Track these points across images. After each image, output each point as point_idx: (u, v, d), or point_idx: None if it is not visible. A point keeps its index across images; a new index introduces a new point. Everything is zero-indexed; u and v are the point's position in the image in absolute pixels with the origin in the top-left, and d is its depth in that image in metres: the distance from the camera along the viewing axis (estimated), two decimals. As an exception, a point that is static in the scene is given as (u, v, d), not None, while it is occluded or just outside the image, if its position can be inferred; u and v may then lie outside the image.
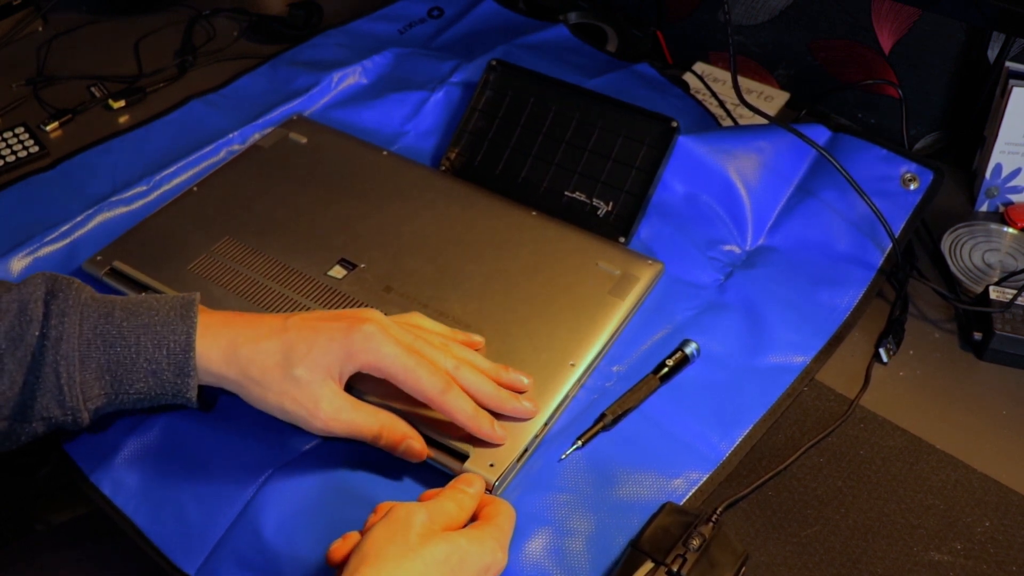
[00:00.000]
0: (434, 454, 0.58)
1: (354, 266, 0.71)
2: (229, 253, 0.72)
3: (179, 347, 0.56)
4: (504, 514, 0.53)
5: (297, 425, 0.57)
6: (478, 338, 0.64)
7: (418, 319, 0.63)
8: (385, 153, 0.83)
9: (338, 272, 0.71)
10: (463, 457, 0.58)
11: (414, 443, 0.57)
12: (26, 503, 0.88)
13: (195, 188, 0.79)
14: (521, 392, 0.61)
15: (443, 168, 0.83)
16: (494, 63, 0.84)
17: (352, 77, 0.94)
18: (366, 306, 0.67)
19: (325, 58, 0.98)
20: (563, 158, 0.80)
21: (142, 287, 0.69)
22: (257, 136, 0.87)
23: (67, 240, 0.76)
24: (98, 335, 0.56)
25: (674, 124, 0.76)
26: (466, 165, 0.82)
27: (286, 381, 0.55)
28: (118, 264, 0.71)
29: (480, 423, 0.57)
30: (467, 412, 0.57)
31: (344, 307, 0.68)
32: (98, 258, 0.72)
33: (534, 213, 0.76)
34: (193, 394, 0.57)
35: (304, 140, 0.84)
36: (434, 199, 0.78)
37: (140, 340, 0.56)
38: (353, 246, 0.73)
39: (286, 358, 0.55)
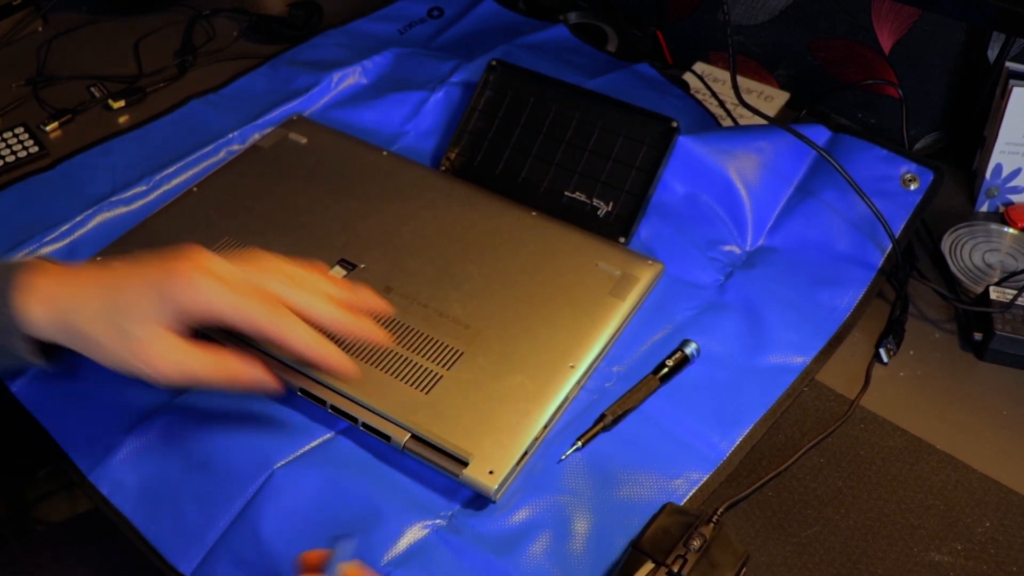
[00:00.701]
0: (436, 459, 0.58)
1: (354, 266, 0.71)
2: (229, 254, 0.72)
3: (3, 307, 0.54)
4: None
5: (141, 379, 0.54)
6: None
7: (258, 251, 0.58)
8: (385, 153, 0.83)
9: (338, 272, 0.71)
10: (463, 463, 0.58)
11: (265, 379, 0.55)
12: (26, 504, 0.88)
13: (195, 188, 0.79)
14: (380, 313, 0.59)
15: (443, 168, 0.83)
16: (494, 63, 0.84)
17: (352, 77, 0.94)
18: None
19: (325, 58, 0.98)
20: (563, 158, 0.79)
21: None
22: (257, 136, 0.87)
23: (67, 240, 0.76)
24: None
25: (674, 124, 0.76)
26: (466, 165, 0.82)
27: (120, 338, 0.53)
28: None
29: (321, 351, 0.54)
30: (305, 339, 0.54)
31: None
32: (98, 259, 0.72)
33: (534, 213, 0.76)
34: (27, 354, 0.55)
35: (304, 140, 0.84)
36: (434, 199, 0.78)
37: None
38: (353, 246, 0.73)
39: (115, 316, 0.53)
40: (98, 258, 0.72)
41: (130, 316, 0.53)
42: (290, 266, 0.58)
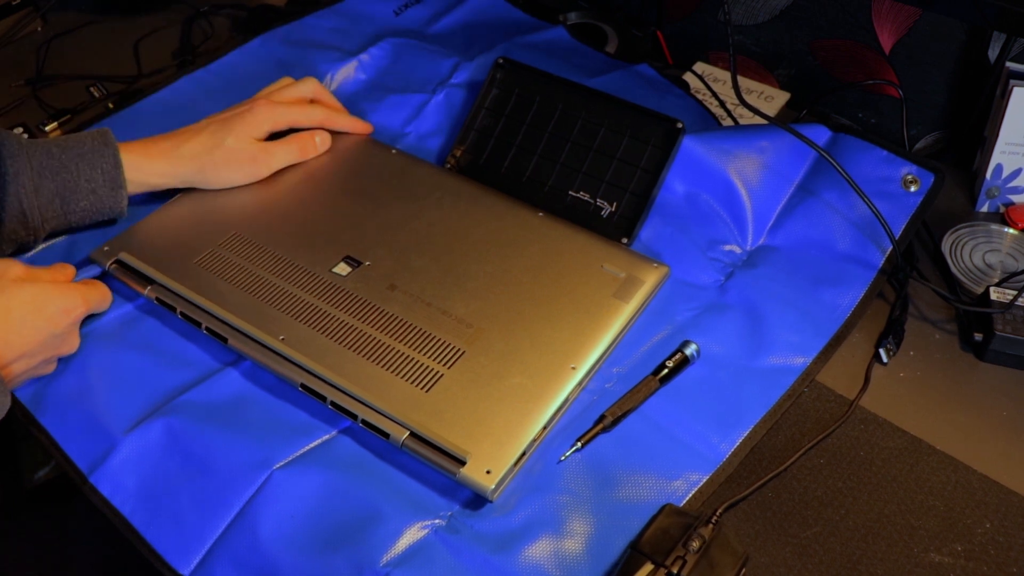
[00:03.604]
0: (434, 457, 0.58)
1: (359, 263, 0.71)
2: (235, 248, 0.72)
3: (110, 166, 0.72)
4: (97, 286, 0.68)
5: (247, 180, 0.78)
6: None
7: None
8: (393, 151, 0.83)
9: (343, 269, 0.71)
10: (461, 462, 0.58)
11: (316, 139, 0.82)
12: (22, 505, 0.88)
13: None
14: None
15: (448, 166, 0.83)
16: (501, 61, 0.83)
17: (350, 72, 0.94)
18: (370, 305, 0.67)
19: (318, 40, 0.97)
20: (568, 157, 0.79)
21: (148, 280, 0.69)
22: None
23: (67, 236, 0.76)
24: (45, 167, 0.70)
25: (679, 125, 0.76)
26: (472, 163, 0.82)
27: (221, 150, 0.75)
28: (124, 256, 0.71)
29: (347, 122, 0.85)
30: (344, 121, 0.84)
31: (350, 306, 0.68)
32: (105, 248, 0.72)
33: (540, 214, 0.76)
34: (124, 204, 0.74)
35: None
36: (441, 198, 0.78)
37: (79, 166, 0.71)
38: (359, 243, 0.73)
39: (214, 140, 0.76)
40: (105, 247, 0.72)
41: (231, 134, 0.76)
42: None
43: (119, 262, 0.71)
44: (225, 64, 0.94)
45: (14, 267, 0.63)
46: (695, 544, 0.53)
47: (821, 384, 0.67)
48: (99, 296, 0.67)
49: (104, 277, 0.71)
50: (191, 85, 0.92)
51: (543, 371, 0.63)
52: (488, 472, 0.57)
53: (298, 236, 0.74)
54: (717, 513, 0.55)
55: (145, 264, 0.70)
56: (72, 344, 0.65)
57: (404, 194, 0.78)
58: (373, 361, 0.64)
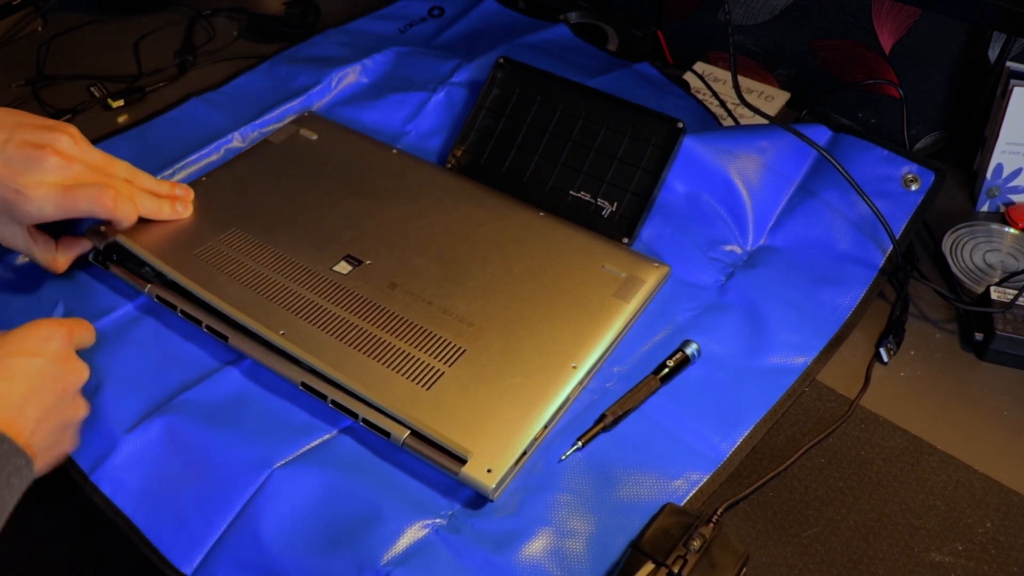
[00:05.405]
0: (434, 456, 0.58)
1: (360, 262, 0.71)
2: (235, 244, 0.72)
3: None
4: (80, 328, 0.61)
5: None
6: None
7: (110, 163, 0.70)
8: (394, 151, 0.83)
9: (343, 268, 0.71)
10: (462, 460, 0.58)
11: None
12: (24, 503, 0.87)
13: (204, 179, 0.79)
14: (184, 196, 0.75)
15: (449, 165, 0.83)
16: (502, 60, 0.83)
17: (352, 76, 0.94)
18: (371, 304, 0.67)
19: (325, 55, 0.98)
20: (569, 157, 0.79)
21: (144, 264, 0.69)
22: (255, 134, 0.87)
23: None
24: None
25: (680, 125, 0.76)
26: (472, 163, 0.82)
27: None
28: (121, 238, 0.70)
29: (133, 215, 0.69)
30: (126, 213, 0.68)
31: (351, 304, 0.67)
32: (101, 228, 0.71)
33: (541, 213, 0.76)
34: None
35: (314, 136, 0.84)
36: (442, 197, 0.78)
37: None
38: (360, 242, 0.73)
39: None
40: (101, 227, 0.72)
41: None
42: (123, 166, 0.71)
43: (116, 244, 0.71)
44: (236, 85, 0.95)
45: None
46: (696, 543, 0.53)
47: (822, 384, 0.67)
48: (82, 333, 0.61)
49: (97, 258, 0.71)
50: (203, 105, 0.91)
51: (544, 370, 0.63)
52: (489, 471, 0.57)
53: (299, 235, 0.74)
54: (718, 512, 0.55)
55: (142, 248, 0.70)
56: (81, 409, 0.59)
57: (405, 194, 0.78)
58: (374, 358, 0.63)
